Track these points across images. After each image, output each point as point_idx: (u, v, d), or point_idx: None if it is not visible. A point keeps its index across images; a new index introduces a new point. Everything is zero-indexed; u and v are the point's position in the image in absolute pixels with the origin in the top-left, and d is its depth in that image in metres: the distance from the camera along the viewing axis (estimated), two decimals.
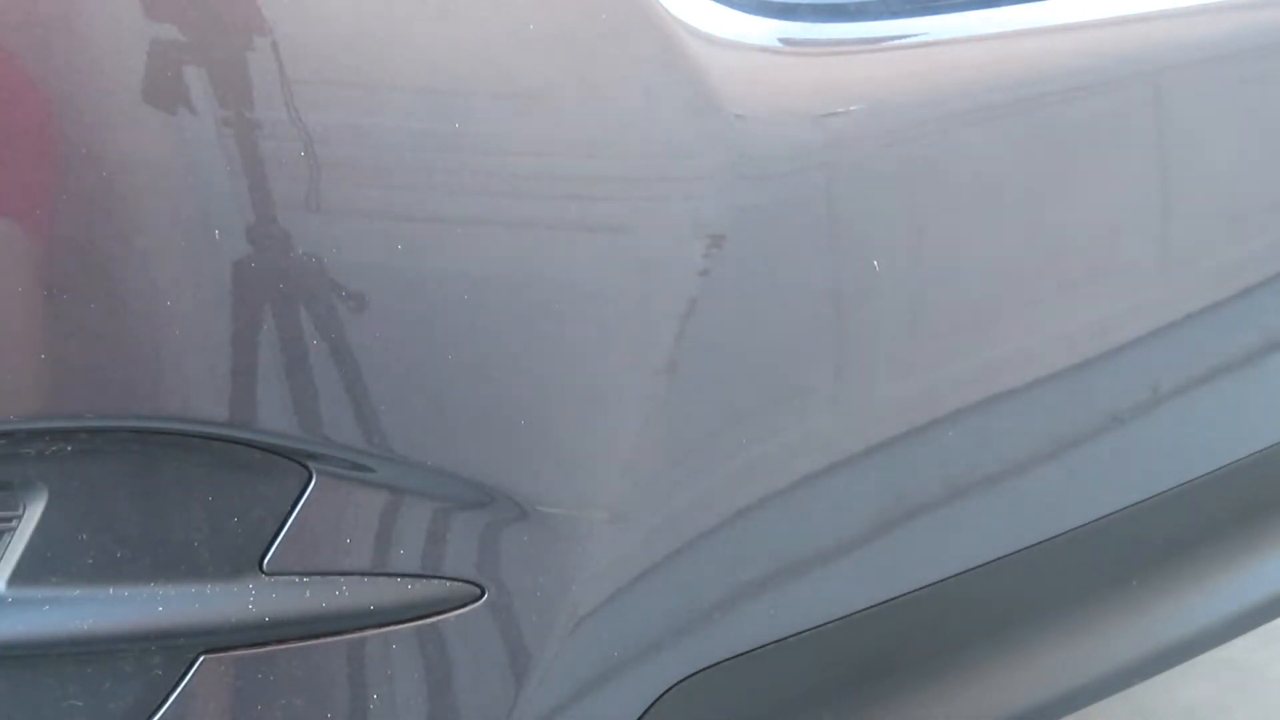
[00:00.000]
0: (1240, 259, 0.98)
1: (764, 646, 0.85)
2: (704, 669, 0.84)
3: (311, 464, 0.66)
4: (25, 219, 0.59)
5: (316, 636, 0.69)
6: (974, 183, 0.82)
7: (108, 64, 0.58)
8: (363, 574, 0.69)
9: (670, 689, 0.82)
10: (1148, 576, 1.07)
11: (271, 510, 0.66)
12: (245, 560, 0.67)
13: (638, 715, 0.82)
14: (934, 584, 0.91)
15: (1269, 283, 0.99)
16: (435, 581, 0.71)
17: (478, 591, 0.72)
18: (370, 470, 0.67)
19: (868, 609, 0.89)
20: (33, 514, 0.63)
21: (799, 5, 0.77)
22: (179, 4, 0.59)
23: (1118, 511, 0.99)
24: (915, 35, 0.80)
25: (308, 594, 0.68)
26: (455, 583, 0.71)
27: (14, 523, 0.64)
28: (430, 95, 0.64)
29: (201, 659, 0.67)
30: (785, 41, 0.75)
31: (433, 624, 0.71)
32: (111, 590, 0.65)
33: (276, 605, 0.67)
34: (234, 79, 0.60)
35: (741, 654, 0.84)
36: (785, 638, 0.86)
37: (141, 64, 0.58)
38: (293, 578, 0.67)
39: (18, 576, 0.64)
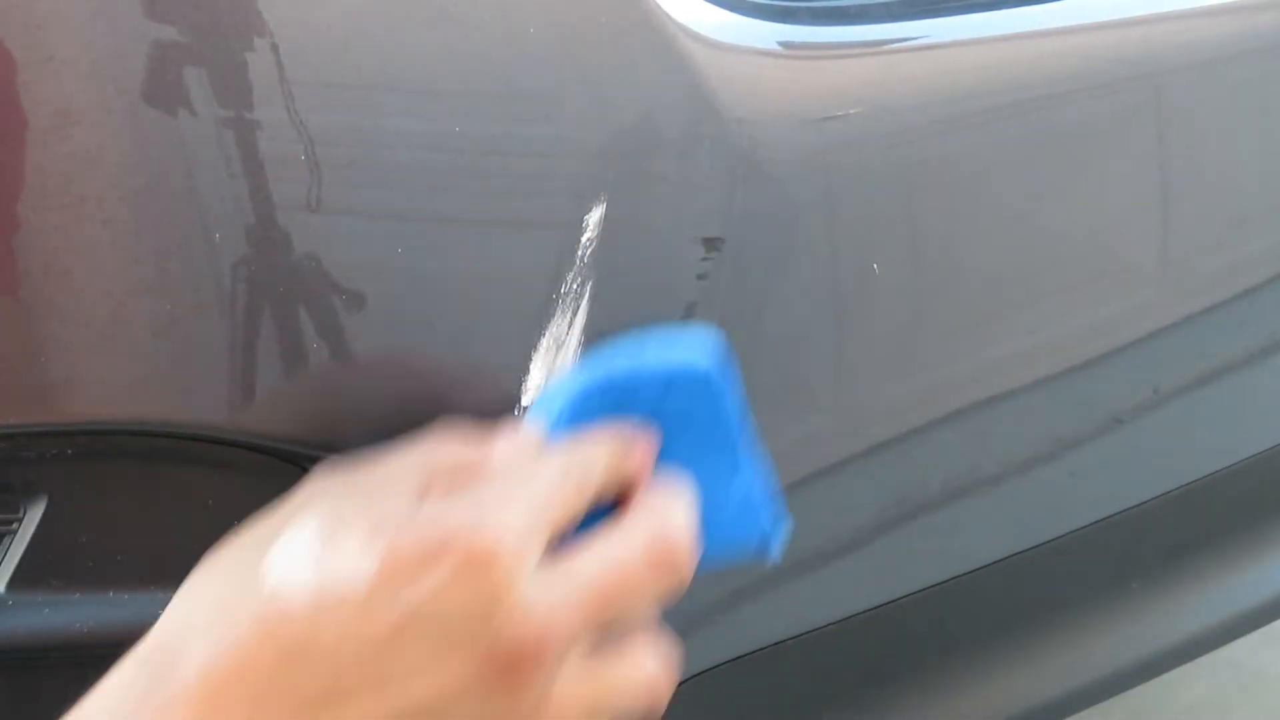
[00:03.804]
0: (1240, 261, 0.98)
1: (764, 649, 0.85)
2: (704, 671, 0.84)
3: (311, 467, 0.66)
4: (25, 220, 0.59)
5: None
6: (974, 185, 0.82)
7: (108, 64, 0.58)
8: None
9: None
10: (1148, 578, 1.07)
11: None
12: None
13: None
14: (934, 586, 0.91)
15: (1269, 285, 0.99)
16: None
17: None
18: None
19: (867, 611, 0.89)
20: (32, 517, 0.63)
21: (799, 9, 0.77)
22: (179, 4, 0.59)
23: (1118, 513, 0.99)
24: (915, 38, 0.80)
25: None
26: None
27: (14, 526, 0.64)
28: (431, 97, 0.64)
29: None
30: (785, 45, 0.75)
31: None
32: (111, 594, 0.65)
33: None
34: (234, 79, 0.60)
35: (741, 656, 0.84)
36: (785, 640, 0.86)
37: (142, 64, 0.58)
38: None
39: (18, 579, 0.64)
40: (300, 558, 0.54)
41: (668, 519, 0.61)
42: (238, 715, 0.52)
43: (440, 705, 0.54)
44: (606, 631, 0.60)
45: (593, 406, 0.65)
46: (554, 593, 0.56)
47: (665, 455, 0.67)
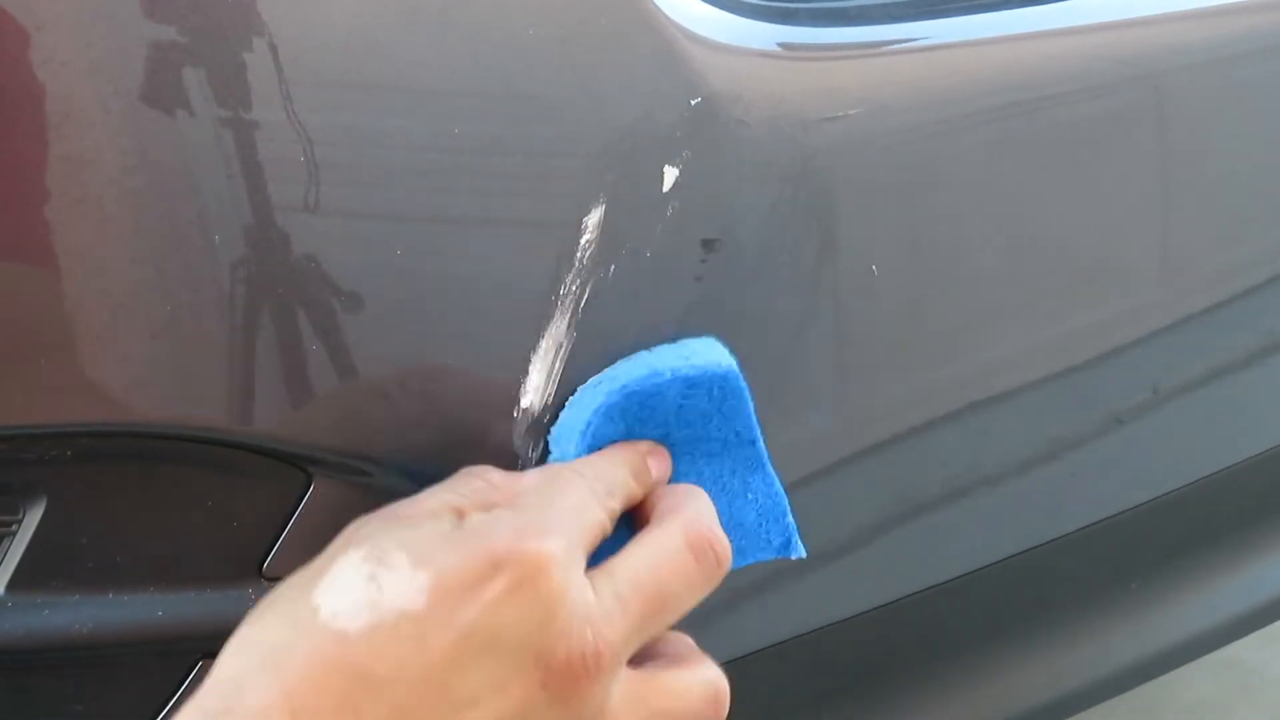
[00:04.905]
0: (1240, 261, 0.98)
1: (763, 650, 0.85)
2: None
3: (311, 468, 0.66)
4: (25, 220, 0.59)
5: None
6: (973, 186, 0.82)
7: (108, 64, 0.58)
8: None
9: None
10: (1148, 579, 1.07)
11: (271, 514, 0.66)
12: (245, 565, 0.67)
13: None
14: (934, 586, 0.91)
15: (1269, 285, 0.99)
16: None
17: None
18: (369, 474, 0.67)
19: (867, 611, 0.89)
20: (32, 519, 0.63)
21: (798, 10, 0.77)
22: (179, 4, 0.59)
23: (1118, 514, 0.99)
24: (914, 40, 0.80)
25: None
26: None
27: (13, 527, 0.64)
28: (430, 97, 0.64)
29: (201, 663, 0.67)
30: (785, 46, 0.75)
31: None
32: (111, 595, 0.65)
33: None
34: (234, 80, 0.60)
35: (740, 657, 0.84)
36: (785, 640, 0.86)
37: (141, 64, 0.58)
38: None
39: (17, 581, 0.64)
40: (351, 584, 0.53)
41: (697, 509, 0.61)
42: None
43: None
44: (657, 633, 0.59)
45: (615, 418, 0.65)
46: (605, 598, 0.56)
47: (688, 457, 0.67)
